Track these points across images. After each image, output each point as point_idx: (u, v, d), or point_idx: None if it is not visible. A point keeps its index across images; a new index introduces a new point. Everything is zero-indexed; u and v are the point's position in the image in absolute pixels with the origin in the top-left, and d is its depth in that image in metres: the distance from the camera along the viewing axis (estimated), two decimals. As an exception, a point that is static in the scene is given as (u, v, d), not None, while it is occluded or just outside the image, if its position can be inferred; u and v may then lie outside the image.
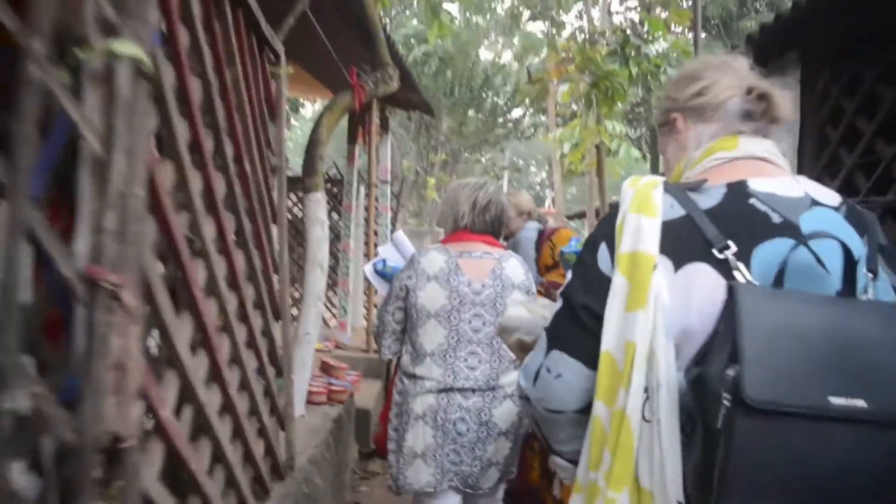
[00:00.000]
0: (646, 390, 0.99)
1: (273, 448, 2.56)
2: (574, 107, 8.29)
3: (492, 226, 2.76)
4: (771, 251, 1.04)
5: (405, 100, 6.95)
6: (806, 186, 1.14)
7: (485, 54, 18.87)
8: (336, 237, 7.85)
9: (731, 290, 0.96)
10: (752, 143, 1.18)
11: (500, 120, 19.56)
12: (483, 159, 21.85)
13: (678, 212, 1.07)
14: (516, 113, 19.81)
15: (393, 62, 4.29)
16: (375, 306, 7.87)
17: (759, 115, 1.20)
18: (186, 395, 1.68)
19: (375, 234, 7.74)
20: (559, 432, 1.12)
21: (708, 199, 1.09)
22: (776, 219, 1.07)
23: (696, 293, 1.02)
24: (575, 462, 1.12)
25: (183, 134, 1.66)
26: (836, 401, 0.88)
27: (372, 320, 6.61)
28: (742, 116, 1.20)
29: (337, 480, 3.82)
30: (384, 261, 3.25)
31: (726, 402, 0.88)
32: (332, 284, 7.90)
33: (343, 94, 3.90)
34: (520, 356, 1.37)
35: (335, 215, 7.94)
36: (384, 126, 7.67)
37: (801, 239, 1.03)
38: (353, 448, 4.63)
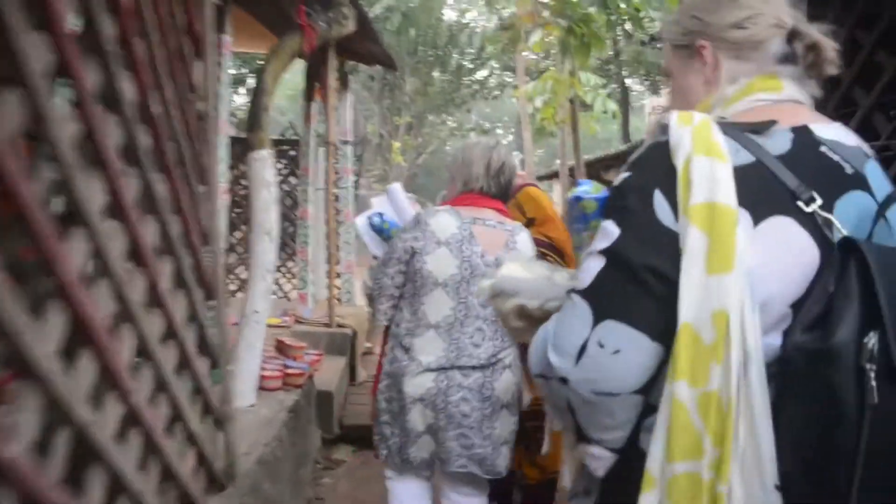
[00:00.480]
0: None
1: (207, 457, 2.11)
2: (546, 61, 7.86)
3: (505, 190, 2.60)
4: (852, 205, 0.97)
5: (365, 52, 6.42)
6: (852, 135, 1.07)
7: (449, 13, 18.17)
8: (294, 203, 7.36)
9: (851, 248, 0.87)
10: (795, 86, 1.08)
11: (466, 80, 18.96)
12: (449, 121, 21.26)
13: (746, 157, 0.95)
14: (482, 73, 19.21)
15: (349, 3, 3.78)
16: (338, 275, 7.41)
17: (801, 62, 1.08)
18: (59, 418, 1.21)
19: (336, 198, 7.24)
20: (605, 418, 0.96)
21: (775, 144, 0.97)
22: (848, 169, 0.99)
23: (781, 252, 0.92)
24: (616, 451, 0.98)
25: (39, 54, 1.17)
26: None
27: (334, 292, 6.13)
28: (781, 59, 1.08)
29: (295, 476, 3.39)
30: (381, 214, 2.80)
31: (871, 373, 0.80)
32: (291, 254, 7.42)
33: (290, 36, 3.40)
34: (517, 327, 1.19)
35: (293, 179, 7.42)
36: (343, 83, 7.12)
37: (871, 193, 0.99)
38: (315, 435, 4.20)
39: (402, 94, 17.84)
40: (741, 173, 0.93)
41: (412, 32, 15.82)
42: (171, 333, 1.86)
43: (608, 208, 1.01)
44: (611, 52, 15.10)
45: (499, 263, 2.25)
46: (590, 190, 1.89)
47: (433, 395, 2.41)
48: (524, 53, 7.86)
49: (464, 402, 2.42)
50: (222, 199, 4.18)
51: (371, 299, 2.57)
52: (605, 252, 0.96)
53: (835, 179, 0.98)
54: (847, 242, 0.88)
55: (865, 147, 1.07)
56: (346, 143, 7.12)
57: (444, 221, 2.44)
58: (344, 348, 5.67)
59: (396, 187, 2.99)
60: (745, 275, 0.88)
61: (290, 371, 3.73)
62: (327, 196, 5.92)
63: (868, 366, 0.80)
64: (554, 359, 0.96)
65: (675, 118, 0.98)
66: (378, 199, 3.02)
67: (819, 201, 0.92)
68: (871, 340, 0.81)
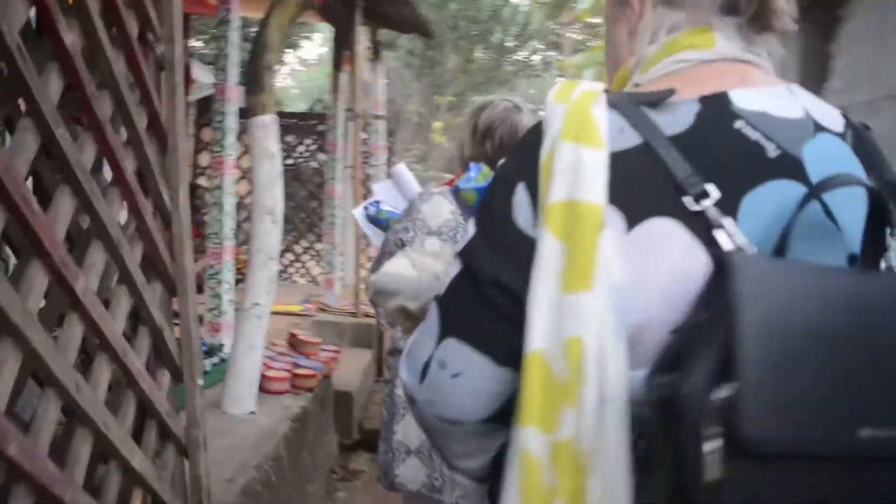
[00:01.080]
0: None
1: (162, 499, 1.64)
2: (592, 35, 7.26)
3: (499, 159, 1.85)
4: (767, 200, 0.76)
5: (398, 18, 5.89)
6: (804, 101, 0.84)
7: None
8: (322, 181, 6.92)
9: (722, 263, 0.68)
10: (733, 41, 0.85)
11: (509, 58, 18.27)
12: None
13: (631, 139, 0.75)
14: (525, 51, 18.49)
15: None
16: (370, 260, 6.95)
17: (744, 12, 0.84)
18: None
19: (368, 177, 6.76)
20: (456, 445, 0.84)
21: (674, 121, 0.77)
22: (772, 151, 0.78)
23: (659, 263, 0.73)
24: (481, 480, 0.87)
25: None
26: (870, 433, 0.65)
27: (364, 276, 5.66)
28: (721, 8, 0.85)
29: (300, 495, 2.93)
30: (378, 203, 2.37)
31: (714, 441, 0.63)
32: (319, 235, 6.99)
33: (299, -20, 2.90)
34: (405, 328, 1.06)
35: (321, 156, 6.96)
36: (376, 52, 6.63)
37: (806, 183, 0.77)
38: (330, 443, 3.74)
39: (443, 71, 17.26)
40: (620, 161, 0.75)
41: (453, 6, 15.22)
42: (106, 345, 1.39)
43: (480, 201, 0.87)
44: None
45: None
46: (474, 177, 1.45)
47: None
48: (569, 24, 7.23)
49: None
50: (230, 174, 3.72)
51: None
52: (459, 256, 0.83)
53: (749, 165, 0.78)
54: (719, 257, 0.71)
55: (824, 117, 0.84)
56: (378, 117, 6.64)
57: (437, 206, 2.04)
58: (371, 341, 5.22)
59: (402, 168, 2.53)
60: (609, 293, 0.72)
61: (299, 372, 3.27)
62: (355, 172, 5.42)
63: (711, 429, 0.64)
64: (403, 373, 0.87)
65: (553, 91, 0.82)
66: (380, 185, 2.58)
67: (714, 196, 0.74)
68: (720, 395, 0.64)
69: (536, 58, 18.68)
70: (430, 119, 17.89)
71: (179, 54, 1.77)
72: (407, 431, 2.07)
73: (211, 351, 3.51)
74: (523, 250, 0.76)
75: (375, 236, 2.37)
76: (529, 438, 0.74)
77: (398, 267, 1.09)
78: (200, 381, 1.86)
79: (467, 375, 0.79)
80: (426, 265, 1.09)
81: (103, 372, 1.41)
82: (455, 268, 0.83)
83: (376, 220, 2.31)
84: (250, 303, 2.85)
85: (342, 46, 5.79)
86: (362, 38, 5.65)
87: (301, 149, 7.10)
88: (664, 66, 0.85)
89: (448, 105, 18.54)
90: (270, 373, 3.20)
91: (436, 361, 0.81)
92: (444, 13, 15.00)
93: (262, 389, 3.13)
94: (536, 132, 0.79)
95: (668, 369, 0.71)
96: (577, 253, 0.73)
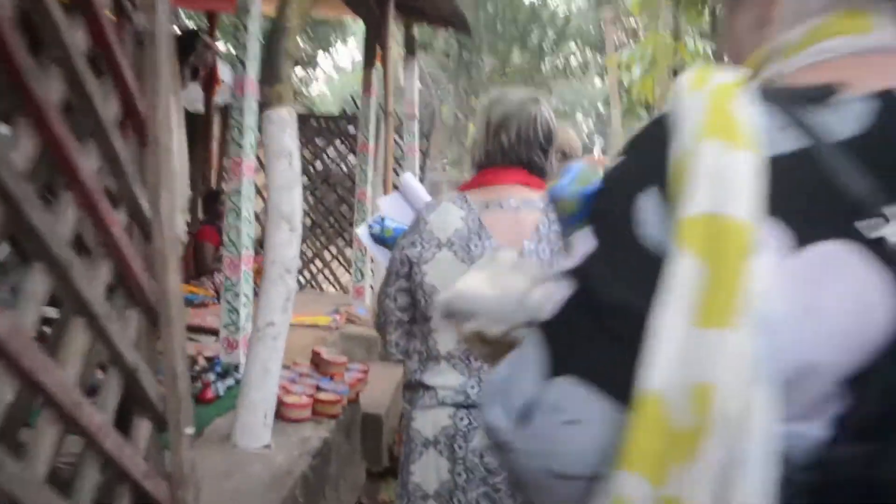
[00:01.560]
0: None
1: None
2: (642, 20, 6.86)
3: (516, 152, 1.85)
4: None
5: (433, 12, 5.54)
6: None
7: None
8: (353, 184, 6.60)
9: None
10: (893, 27, 0.70)
11: (547, 60, 17.86)
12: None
13: (792, 141, 0.62)
14: (564, 53, 18.05)
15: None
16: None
17: None
18: None
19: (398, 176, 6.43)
20: (559, 501, 0.69)
21: (843, 122, 0.62)
22: None
23: (829, 297, 0.58)
24: None
25: None
26: None
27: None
28: None
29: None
30: (381, 220, 2.11)
31: None
32: (349, 241, 6.67)
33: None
34: (482, 354, 0.98)
35: (352, 158, 6.64)
36: (410, 48, 6.29)
37: None
38: (357, 472, 3.39)
39: (479, 73, 16.91)
40: (779, 168, 0.60)
41: (490, 7, 14.87)
42: (47, 399, 1.05)
43: (592, 209, 0.72)
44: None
45: (526, 257, 1.76)
46: (572, 181, 1.11)
47: (450, 437, 1.80)
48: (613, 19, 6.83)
49: (489, 450, 1.64)
50: (248, 177, 3.40)
51: (379, 329, 1.97)
52: (575, 274, 0.68)
53: None
54: None
55: None
56: (411, 117, 6.30)
57: (446, 214, 1.83)
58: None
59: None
60: (759, 332, 0.57)
61: (322, 397, 2.93)
62: (385, 174, 5.08)
63: None
64: (494, 416, 0.70)
65: (685, 78, 0.67)
66: (387, 199, 2.28)
67: None
68: None
69: (575, 59, 18.24)
70: (466, 122, 17.54)
71: (164, 25, 1.43)
72: (425, 473, 1.83)
73: (226, 372, 3.19)
74: (652, 270, 0.63)
75: (383, 256, 2.08)
76: (632, 485, 0.62)
77: (474, 284, 0.96)
78: (190, 430, 1.51)
79: (588, 422, 0.66)
80: (507, 282, 0.95)
81: (46, 438, 1.07)
82: (564, 290, 0.69)
83: (381, 239, 2.06)
84: (264, 322, 2.51)
85: (374, 42, 5.46)
86: (395, 33, 5.31)
87: (331, 151, 6.79)
88: (809, 55, 0.72)
89: (484, 108, 18.10)
90: (289, 398, 2.86)
91: (546, 405, 0.68)
92: (480, 14, 14.66)
93: (280, 417, 2.80)
94: (662, 125, 0.66)
95: (859, 436, 0.59)
96: (719, 279, 0.60)
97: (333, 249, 6.83)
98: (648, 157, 0.66)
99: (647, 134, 0.69)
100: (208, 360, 3.51)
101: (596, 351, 0.65)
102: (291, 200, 2.48)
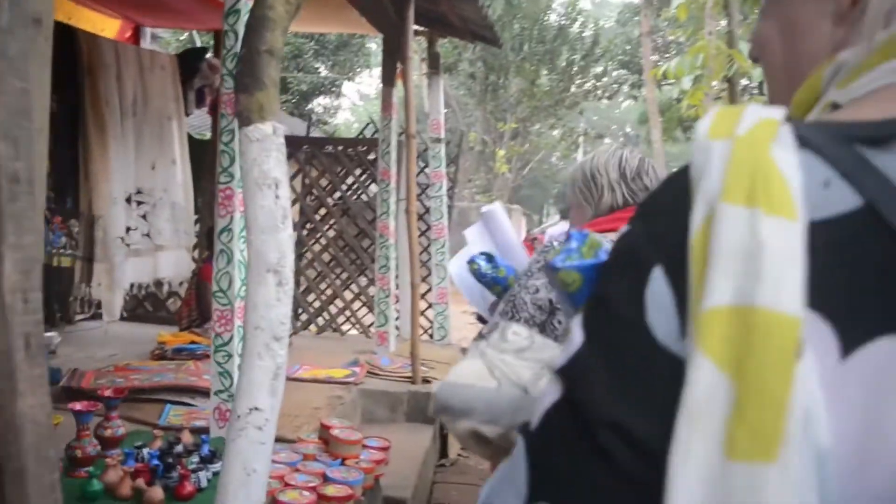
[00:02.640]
0: None
1: None
2: (686, 29, 6.21)
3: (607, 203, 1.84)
4: None
5: (459, 22, 4.96)
6: None
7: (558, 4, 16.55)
8: (375, 216, 6.01)
9: None
10: None
11: (577, 80, 17.24)
12: (557, 128, 19.51)
13: (844, 199, 0.48)
14: (596, 70, 17.41)
15: None
16: (430, 306, 5.96)
17: None
18: None
19: (426, 210, 5.80)
20: None
21: None
22: None
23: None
24: None
25: None
26: None
27: (417, 334, 4.66)
28: None
29: None
30: (490, 257, 1.74)
31: None
32: (371, 280, 6.05)
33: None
34: (481, 454, 0.88)
35: (373, 188, 6.05)
36: (434, 64, 5.71)
37: None
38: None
39: (506, 95, 16.34)
40: (826, 238, 0.47)
41: (516, 26, 14.32)
42: None
43: (590, 290, 0.60)
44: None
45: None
46: (575, 250, 0.88)
47: None
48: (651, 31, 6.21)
49: None
50: (240, 214, 2.81)
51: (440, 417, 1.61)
52: (562, 374, 0.55)
53: None
54: None
55: None
56: (437, 140, 5.70)
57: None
58: (430, 413, 4.21)
59: (497, 209, 1.94)
60: (811, 464, 0.44)
61: (329, 492, 2.29)
62: (409, 204, 4.47)
63: None
64: None
65: (706, 121, 0.53)
66: (473, 230, 1.92)
67: None
68: None
69: (607, 79, 17.61)
70: (494, 147, 16.96)
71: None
72: None
73: (214, 454, 2.57)
74: (662, 376, 0.49)
75: (478, 300, 1.79)
76: None
77: (470, 373, 0.85)
78: None
79: None
80: (509, 371, 0.84)
81: None
82: (552, 393, 0.57)
83: (492, 279, 1.70)
84: (245, 408, 1.88)
85: (393, 56, 4.89)
86: (417, 46, 4.73)
87: (350, 180, 6.20)
88: (879, 75, 0.56)
89: (512, 132, 17.63)
90: (287, 496, 2.23)
91: None
92: (506, 34, 14.13)
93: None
94: (679, 184, 0.52)
95: None
96: (753, 395, 0.46)
97: (355, 288, 6.21)
98: (660, 227, 0.53)
99: (661, 195, 0.56)
100: (196, 432, 2.89)
101: (581, 476, 0.53)
102: (280, 246, 1.87)
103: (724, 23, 5.38)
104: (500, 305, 1.66)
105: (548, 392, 0.57)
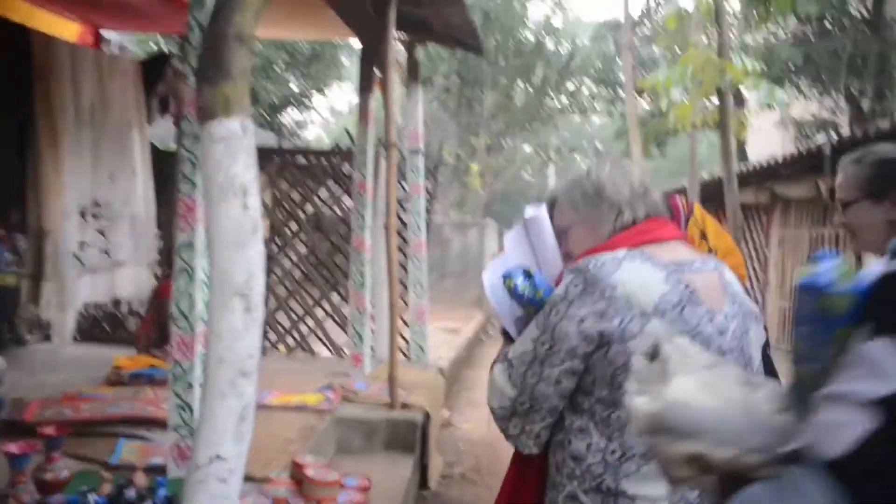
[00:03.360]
0: None
1: None
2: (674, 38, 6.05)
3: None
4: None
5: (441, 23, 4.71)
6: None
7: (536, 13, 16.40)
8: (349, 230, 5.71)
9: None
10: None
11: (552, 94, 17.08)
12: (530, 143, 19.34)
13: None
14: (571, 86, 17.28)
15: None
16: (406, 324, 5.67)
17: None
18: None
19: (404, 224, 5.53)
20: None
21: None
22: None
23: None
24: None
25: None
26: None
27: (396, 355, 4.37)
28: None
29: None
30: (525, 273, 1.55)
31: None
32: (344, 297, 5.75)
33: None
34: (681, 477, 0.80)
35: (347, 200, 5.75)
36: (413, 73, 5.45)
37: None
38: None
39: (481, 109, 16.15)
40: None
41: (492, 40, 14.14)
42: None
43: (883, 314, 0.68)
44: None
45: (729, 321, 1.51)
46: (835, 276, 0.90)
47: None
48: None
49: None
50: (202, 227, 2.51)
51: (508, 415, 1.53)
52: (883, 403, 0.61)
53: None
54: None
55: None
56: (415, 152, 5.43)
57: (643, 275, 1.48)
58: (410, 441, 3.91)
59: (542, 216, 1.70)
60: None
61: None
62: (388, 218, 4.18)
63: None
64: None
65: None
66: (513, 237, 1.70)
67: None
68: None
69: (580, 95, 17.48)
70: (468, 162, 16.75)
71: None
72: None
73: (170, 501, 2.25)
74: None
75: (510, 316, 1.59)
76: None
77: (686, 391, 0.79)
78: None
79: None
80: (731, 390, 0.80)
81: None
82: (864, 422, 0.62)
83: (527, 301, 1.50)
84: (206, 456, 1.59)
85: (371, 62, 4.62)
86: (396, 53, 4.47)
87: (323, 193, 5.90)
88: None
89: (486, 147, 17.44)
90: (254, 553, 1.93)
91: None
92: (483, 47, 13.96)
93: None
94: None
95: None
96: None
97: (327, 306, 5.89)
98: None
99: None
100: (152, 472, 2.57)
101: None
102: (248, 264, 1.58)
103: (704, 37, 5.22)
104: (532, 330, 1.46)
105: (853, 421, 0.60)
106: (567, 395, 1.50)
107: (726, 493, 0.78)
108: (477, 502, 4.24)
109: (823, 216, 6.12)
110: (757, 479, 0.74)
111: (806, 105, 10.28)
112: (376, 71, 4.64)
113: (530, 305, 1.48)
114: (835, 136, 6.03)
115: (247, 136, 1.61)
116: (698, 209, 2.36)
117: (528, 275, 1.48)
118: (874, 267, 1.06)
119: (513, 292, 1.48)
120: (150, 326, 4.55)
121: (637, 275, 1.46)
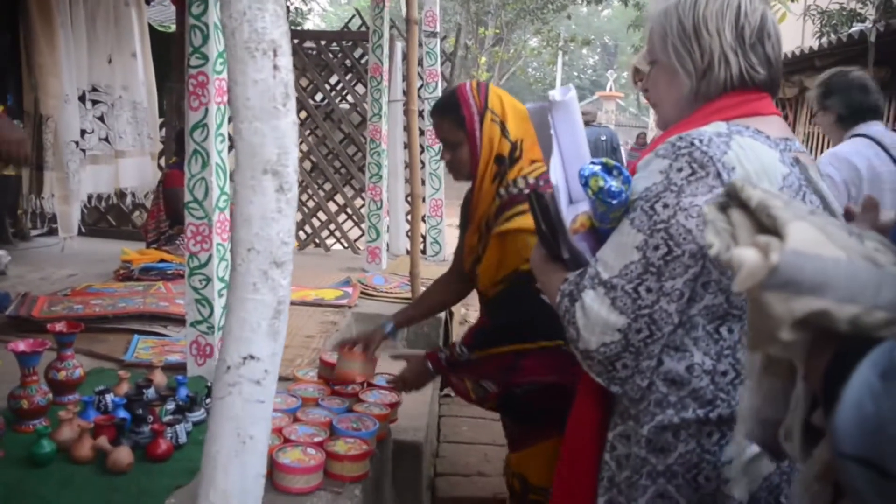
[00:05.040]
0: None
1: None
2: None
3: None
4: None
5: None
6: None
7: None
8: (362, 120, 5.45)
9: None
10: None
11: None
12: (540, 34, 18.57)
13: None
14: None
15: None
16: (425, 220, 5.45)
17: None
18: None
19: (421, 115, 5.24)
20: None
21: None
22: None
23: None
24: None
25: None
26: None
27: (416, 250, 4.18)
28: None
29: None
30: (605, 166, 1.21)
31: None
32: (359, 189, 5.52)
33: None
34: (785, 340, 0.69)
35: (360, 88, 5.44)
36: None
37: None
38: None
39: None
40: None
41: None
42: None
43: None
44: None
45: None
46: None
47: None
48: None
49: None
50: (216, 105, 2.26)
51: (618, 351, 1.22)
52: None
53: None
54: None
55: None
56: (432, 34, 5.09)
57: (758, 154, 1.22)
58: (433, 338, 3.78)
59: (573, 99, 1.41)
60: None
61: (338, 449, 1.85)
62: (409, 104, 3.90)
63: None
64: (848, 426, 0.57)
65: None
66: (537, 122, 1.37)
67: None
68: None
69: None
70: (476, 53, 16.16)
71: None
72: None
73: (193, 400, 2.11)
74: None
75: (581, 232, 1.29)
76: None
77: (810, 241, 0.69)
78: None
79: None
80: (840, 239, 0.71)
81: None
82: None
83: (614, 194, 1.18)
84: (238, 356, 1.41)
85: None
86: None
87: (334, 80, 5.57)
88: None
89: (494, 38, 16.78)
90: (287, 456, 1.79)
91: None
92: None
93: (274, 486, 1.75)
94: None
95: None
96: None
97: (340, 199, 5.67)
98: None
99: None
100: (171, 370, 2.43)
101: None
102: (280, 136, 1.36)
103: None
104: (630, 235, 1.18)
105: None
106: (682, 311, 1.22)
107: (813, 358, 0.68)
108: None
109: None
110: (879, 341, 0.62)
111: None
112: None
113: (612, 204, 1.18)
114: (870, 25, 5.63)
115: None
116: (495, 96, 1.92)
117: (607, 168, 1.18)
118: None
119: (605, 195, 1.17)
120: (156, 218, 4.35)
121: (752, 153, 1.20)
